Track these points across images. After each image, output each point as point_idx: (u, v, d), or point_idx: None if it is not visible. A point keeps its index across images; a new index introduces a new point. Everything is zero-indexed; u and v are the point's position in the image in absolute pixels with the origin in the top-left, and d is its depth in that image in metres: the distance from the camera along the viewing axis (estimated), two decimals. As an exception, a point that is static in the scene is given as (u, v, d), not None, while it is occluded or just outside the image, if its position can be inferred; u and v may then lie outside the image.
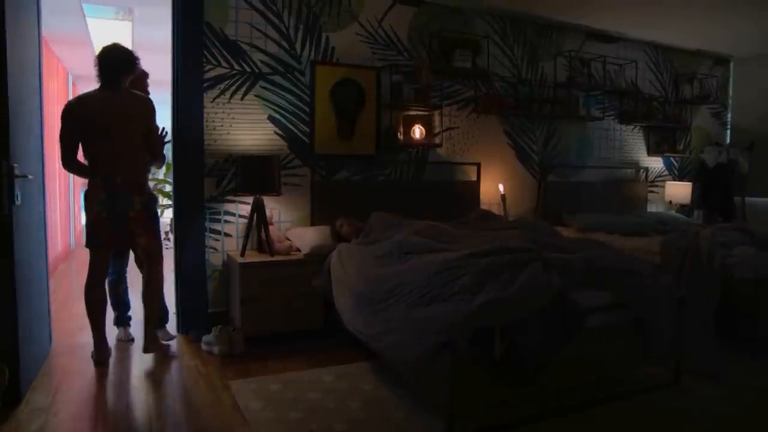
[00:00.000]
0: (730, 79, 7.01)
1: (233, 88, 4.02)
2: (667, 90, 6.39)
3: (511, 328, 2.38)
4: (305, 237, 3.92)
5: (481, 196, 4.94)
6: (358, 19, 4.46)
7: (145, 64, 3.49)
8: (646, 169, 6.24)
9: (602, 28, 5.64)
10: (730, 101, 7.03)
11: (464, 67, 4.76)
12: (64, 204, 7.10)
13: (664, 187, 6.37)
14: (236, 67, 4.02)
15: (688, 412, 2.68)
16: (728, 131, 7.05)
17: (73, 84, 8.11)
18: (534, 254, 2.63)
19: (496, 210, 4.93)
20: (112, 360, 3.35)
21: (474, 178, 4.95)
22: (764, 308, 3.44)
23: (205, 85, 3.91)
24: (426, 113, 4.71)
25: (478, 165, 4.95)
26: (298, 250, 3.89)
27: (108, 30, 5.47)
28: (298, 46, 4.24)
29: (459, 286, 2.43)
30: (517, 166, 5.32)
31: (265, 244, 3.82)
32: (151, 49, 5.76)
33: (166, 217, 7.86)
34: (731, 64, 6.98)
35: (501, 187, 5.06)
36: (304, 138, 4.29)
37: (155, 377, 3.14)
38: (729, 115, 7.05)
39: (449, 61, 4.75)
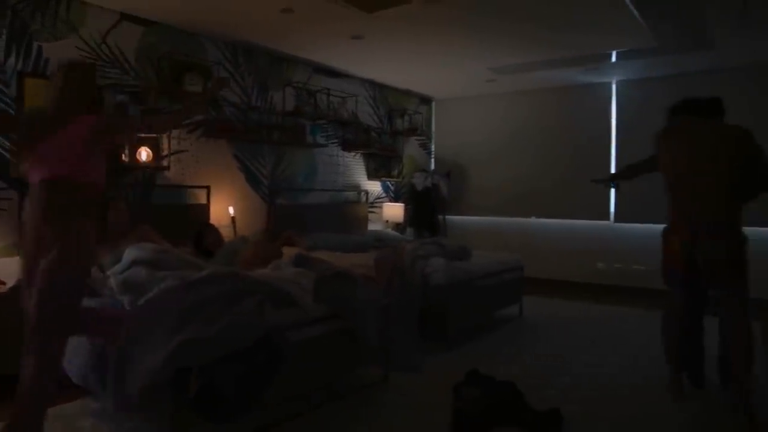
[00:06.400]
0: (432, 116, 8.23)
1: None
2: (383, 122, 7.24)
3: (208, 367, 2.35)
4: (11, 269, 3.52)
5: (212, 219, 4.98)
6: (79, 32, 4.21)
7: None
8: (367, 192, 6.97)
9: (328, 64, 6.18)
10: (432, 134, 8.24)
11: (194, 91, 4.79)
12: None
13: (382, 208, 7.17)
14: None
15: (396, 402, 3.10)
16: (432, 160, 8.25)
17: None
18: (253, 284, 2.69)
19: (226, 232, 5.00)
20: None
21: (204, 201, 4.99)
22: (453, 309, 4.15)
23: None
24: (153, 136, 4.61)
25: (208, 188, 5.01)
26: (3, 283, 3.49)
27: None
28: (0, 53, 3.84)
29: (163, 326, 2.34)
30: (248, 189, 5.51)
31: (-42, 277, 3.36)
32: None
33: None
34: (433, 104, 8.21)
35: (231, 210, 5.20)
36: (10, 158, 3.88)
37: None
38: (432, 146, 8.26)
39: (180, 85, 4.74)
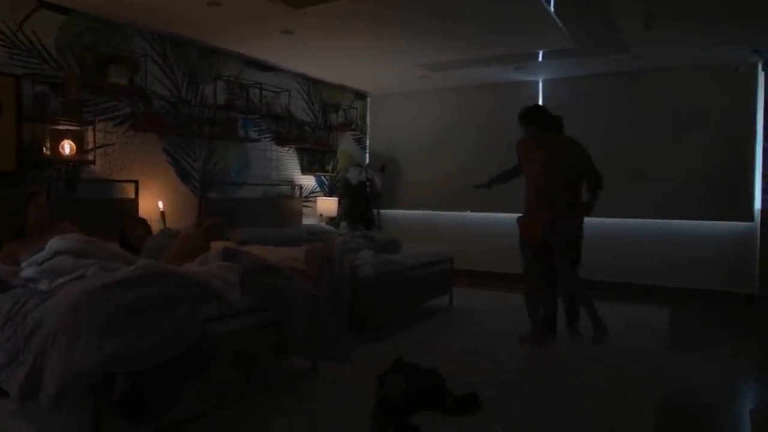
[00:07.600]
0: (367, 112, 8.32)
1: None
2: (317, 117, 7.27)
3: (136, 371, 2.35)
4: None
5: (141, 214, 4.88)
6: (-9, 19, 4.06)
7: None
8: (301, 187, 6.99)
9: (259, 58, 6.15)
10: (367, 129, 8.33)
11: (120, 83, 4.70)
12: None
13: (316, 202, 7.21)
14: None
15: (323, 392, 3.16)
16: (367, 154, 8.34)
17: None
18: (182, 285, 2.68)
19: (156, 227, 4.89)
20: None
21: (132, 195, 4.91)
22: (381, 300, 4.26)
23: None
24: (77, 128, 4.50)
25: (137, 182, 4.93)
26: None
27: None
28: None
29: (92, 326, 2.27)
30: (178, 183, 5.45)
31: None
32: None
33: None
34: (368, 99, 8.30)
35: (160, 204, 5.13)
36: None
37: None
38: (367, 141, 8.35)
39: (104, 76, 4.63)
